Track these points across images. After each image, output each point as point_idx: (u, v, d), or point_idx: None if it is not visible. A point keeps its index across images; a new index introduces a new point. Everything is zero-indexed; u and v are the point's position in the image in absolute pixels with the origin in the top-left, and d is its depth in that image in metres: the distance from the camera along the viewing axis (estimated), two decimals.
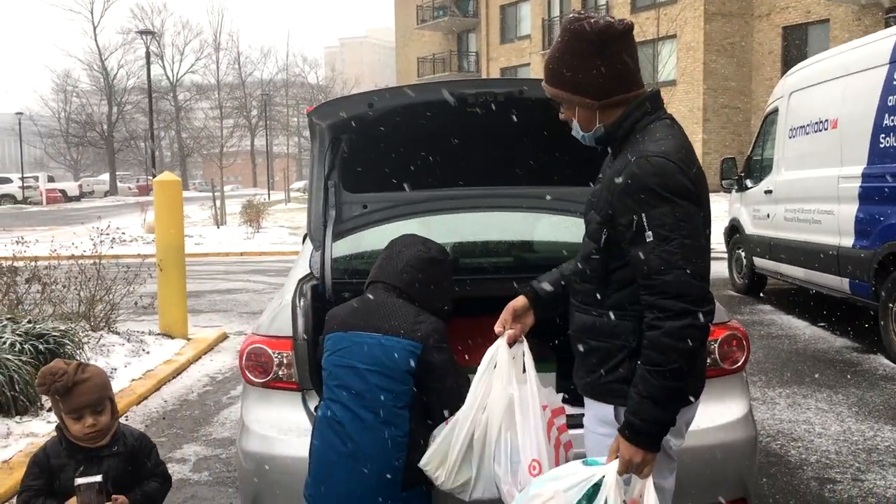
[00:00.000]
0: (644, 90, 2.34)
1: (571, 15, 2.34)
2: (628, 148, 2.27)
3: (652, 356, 2.14)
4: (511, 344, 2.60)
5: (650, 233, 2.13)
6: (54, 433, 2.82)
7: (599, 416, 2.41)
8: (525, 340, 2.65)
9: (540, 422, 2.54)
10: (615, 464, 2.20)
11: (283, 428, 3.09)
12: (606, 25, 2.25)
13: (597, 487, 2.19)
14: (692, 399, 2.37)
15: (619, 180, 2.21)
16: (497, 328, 2.61)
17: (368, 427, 2.66)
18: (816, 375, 6.65)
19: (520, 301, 2.67)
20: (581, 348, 2.43)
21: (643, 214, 2.14)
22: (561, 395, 2.77)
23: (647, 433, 2.16)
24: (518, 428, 2.53)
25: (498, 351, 2.60)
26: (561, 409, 2.71)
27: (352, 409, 2.69)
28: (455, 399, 2.66)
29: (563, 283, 2.64)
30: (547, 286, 2.66)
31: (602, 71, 2.25)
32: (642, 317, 2.21)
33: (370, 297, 2.84)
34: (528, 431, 2.52)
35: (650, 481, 2.22)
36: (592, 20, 2.27)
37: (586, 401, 2.48)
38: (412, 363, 2.68)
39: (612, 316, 2.32)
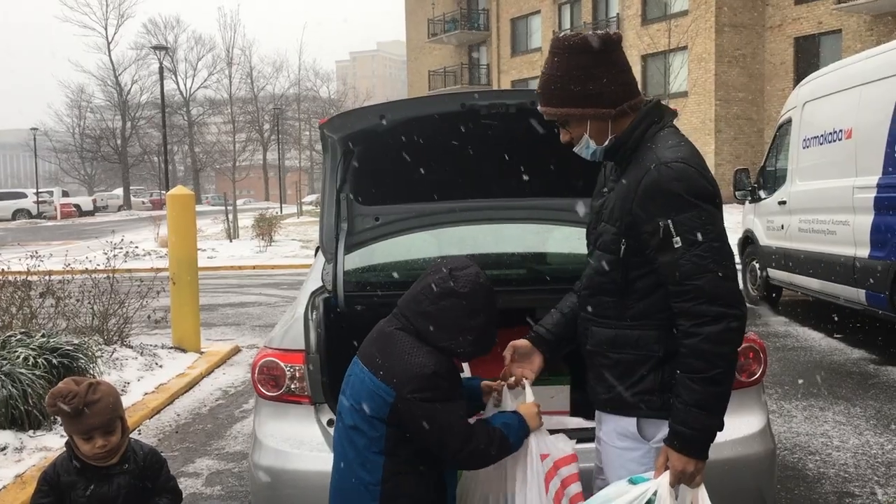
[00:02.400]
0: (644, 97, 2.35)
1: (559, 35, 2.33)
2: (641, 156, 2.26)
3: (693, 364, 2.13)
4: (512, 387, 2.57)
5: (678, 238, 2.13)
6: (65, 449, 2.80)
7: (619, 430, 2.37)
8: (528, 387, 2.56)
9: (535, 476, 2.46)
10: (666, 476, 2.17)
11: (296, 442, 3.07)
12: (605, 35, 2.28)
13: (651, 503, 2.16)
14: None
15: (639, 189, 2.21)
16: (502, 374, 2.61)
17: (347, 464, 2.48)
18: (833, 388, 6.58)
19: (521, 342, 2.64)
20: (602, 362, 2.38)
21: (669, 220, 2.14)
22: (572, 442, 2.56)
23: (696, 441, 2.16)
24: (515, 483, 2.48)
25: (503, 397, 2.59)
26: (570, 457, 2.53)
27: (341, 440, 2.52)
28: (443, 455, 2.40)
29: (564, 320, 2.61)
30: (549, 326, 2.64)
31: (612, 79, 2.26)
32: (668, 325, 2.20)
33: (383, 322, 2.55)
34: (522, 487, 2.46)
35: (703, 490, 2.22)
36: (587, 34, 2.28)
37: (604, 416, 2.44)
38: (384, 411, 2.36)
39: (636, 326, 2.29)
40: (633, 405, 2.32)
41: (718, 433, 2.22)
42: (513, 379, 2.59)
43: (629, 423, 2.34)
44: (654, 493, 2.18)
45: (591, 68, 2.26)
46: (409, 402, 2.34)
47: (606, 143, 2.33)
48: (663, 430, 2.26)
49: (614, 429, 2.39)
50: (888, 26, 24.97)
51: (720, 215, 2.21)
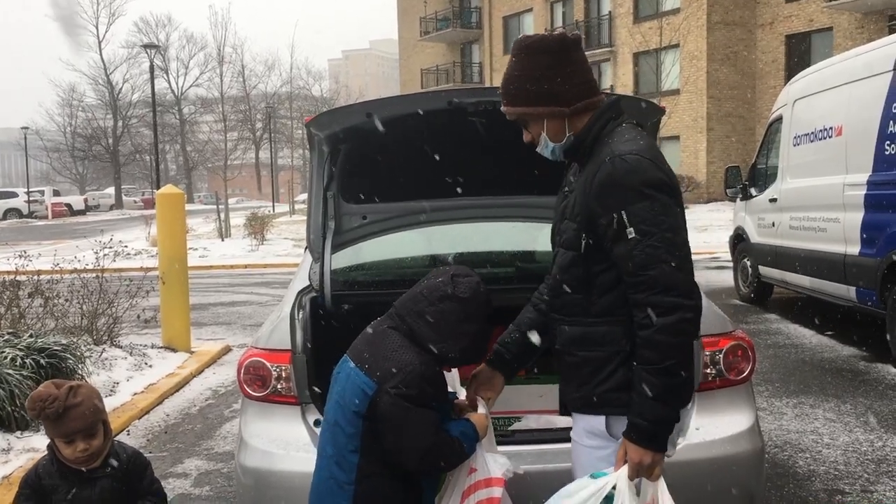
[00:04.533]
0: (603, 96, 2.37)
1: (519, 37, 2.36)
2: (598, 152, 2.28)
3: (647, 355, 2.14)
4: (475, 407, 2.63)
5: (631, 229, 2.14)
6: (47, 452, 2.77)
7: (589, 428, 2.36)
8: (484, 405, 2.63)
9: (457, 487, 2.52)
10: (624, 470, 2.18)
11: (282, 442, 3.05)
12: (562, 35, 2.31)
13: (610, 498, 2.18)
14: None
15: (595, 182, 2.23)
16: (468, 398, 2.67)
17: (325, 462, 2.49)
18: (824, 385, 6.59)
19: (480, 369, 2.69)
20: (570, 361, 2.38)
21: (622, 212, 2.16)
22: (508, 465, 2.56)
23: (652, 433, 2.16)
24: (445, 489, 2.57)
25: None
26: (497, 479, 2.53)
27: (323, 437, 2.54)
28: (397, 460, 2.38)
29: (522, 339, 2.63)
30: (508, 346, 2.66)
31: (568, 78, 2.28)
32: (632, 319, 2.20)
33: (376, 321, 2.58)
34: (448, 494, 2.54)
35: (662, 484, 2.21)
36: (545, 34, 2.32)
37: (574, 415, 2.43)
38: (363, 405, 2.38)
39: (601, 323, 2.29)
40: (602, 403, 2.31)
41: (700, 430, 2.20)
42: (468, 399, 2.68)
43: (598, 421, 2.33)
44: (614, 487, 2.18)
45: (547, 68, 2.27)
46: (387, 397, 2.35)
47: (564, 141, 2.35)
48: None
49: (584, 427, 2.38)
50: (878, 24, 25.05)
51: (677, 207, 2.21)
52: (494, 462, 2.58)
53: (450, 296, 2.46)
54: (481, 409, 2.62)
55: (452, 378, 3.10)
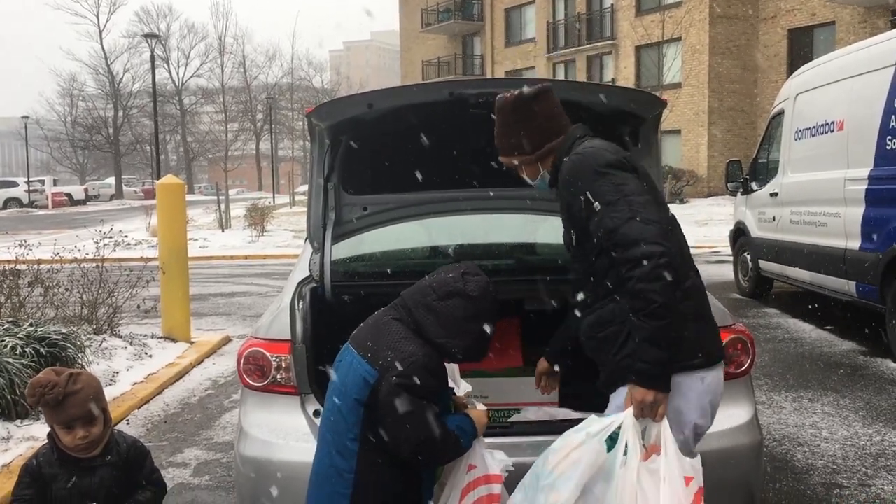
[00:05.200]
0: (570, 127, 2.69)
1: (504, 94, 2.71)
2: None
3: (635, 304, 2.32)
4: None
5: (597, 203, 2.39)
6: (47, 441, 2.77)
7: (619, 403, 2.49)
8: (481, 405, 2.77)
9: (455, 485, 2.56)
10: (631, 409, 2.35)
11: (282, 432, 3.05)
12: (519, 93, 2.65)
13: (614, 438, 2.34)
14: (701, 360, 2.47)
15: (561, 182, 2.56)
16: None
17: (326, 450, 2.51)
18: (823, 379, 6.59)
19: (541, 364, 3.19)
20: (596, 346, 2.57)
21: (587, 192, 2.42)
22: (504, 462, 2.60)
23: (652, 374, 2.32)
24: (443, 487, 2.61)
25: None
26: (495, 476, 2.56)
27: (324, 425, 2.56)
28: (393, 448, 2.39)
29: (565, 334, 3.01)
30: (557, 343, 3.12)
31: (529, 129, 2.64)
32: None
33: (381, 311, 2.61)
34: (447, 492, 2.58)
35: (666, 426, 2.34)
36: (507, 94, 2.68)
37: (611, 398, 2.57)
38: (364, 393, 2.40)
39: (609, 301, 2.50)
40: (625, 368, 2.44)
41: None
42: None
43: (625, 392, 2.45)
44: (620, 425, 2.34)
45: (511, 124, 2.66)
46: (388, 385, 2.36)
47: (539, 178, 2.71)
48: (673, 396, 2.42)
49: (617, 405, 2.50)
50: (881, 18, 24.98)
51: (634, 177, 2.46)
52: (492, 458, 2.59)
53: (460, 292, 2.49)
54: (480, 406, 2.65)
55: (452, 371, 3.11)
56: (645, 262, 2.28)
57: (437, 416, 2.41)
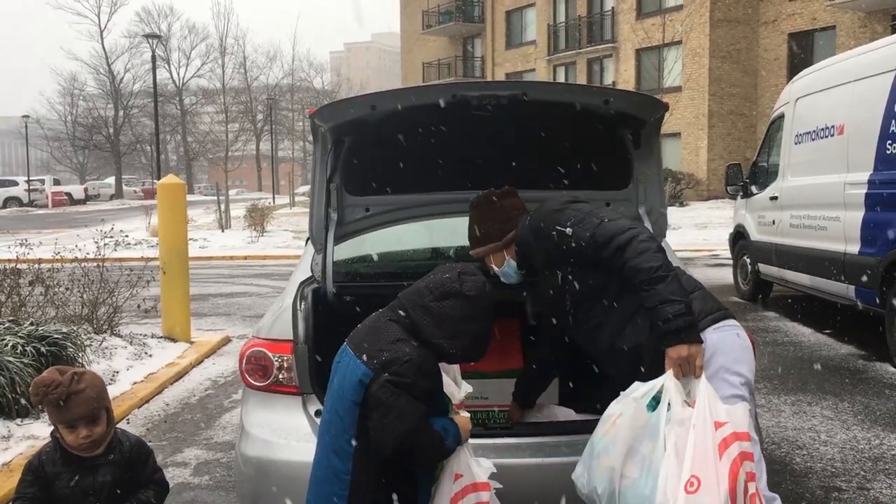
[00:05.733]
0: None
1: (478, 196, 3.15)
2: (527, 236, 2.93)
3: (638, 278, 2.58)
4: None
5: (568, 230, 2.73)
6: (50, 439, 2.78)
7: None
8: (463, 386, 2.84)
9: (444, 495, 2.59)
10: (670, 371, 2.49)
11: (283, 432, 3.06)
12: (487, 193, 3.12)
13: (657, 399, 2.48)
14: (723, 311, 2.73)
15: (531, 240, 2.89)
16: None
17: (324, 451, 2.53)
18: (822, 383, 6.60)
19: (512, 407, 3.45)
20: (621, 345, 2.76)
21: (556, 226, 2.77)
22: (491, 469, 2.66)
23: (677, 327, 2.50)
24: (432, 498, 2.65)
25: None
26: (485, 484, 2.60)
27: (323, 427, 2.57)
28: (376, 439, 2.38)
29: (530, 370, 3.42)
30: (525, 380, 3.42)
31: (495, 220, 3.04)
32: (631, 288, 2.65)
33: (378, 313, 2.63)
34: (436, 500, 2.62)
35: (704, 381, 2.48)
36: (479, 196, 3.14)
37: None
38: (360, 394, 2.41)
39: (620, 302, 2.73)
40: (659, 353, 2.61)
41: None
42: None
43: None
44: (661, 387, 2.47)
45: (483, 217, 3.07)
46: (381, 383, 2.37)
47: (505, 263, 3.06)
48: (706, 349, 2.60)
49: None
50: (882, 23, 25.02)
51: (581, 205, 2.85)
52: (479, 467, 2.61)
53: (456, 292, 2.49)
54: (464, 413, 2.67)
55: (453, 372, 3.11)
56: (629, 245, 2.59)
57: (424, 415, 2.42)
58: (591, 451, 2.61)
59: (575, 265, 2.78)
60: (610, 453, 2.50)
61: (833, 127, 8.16)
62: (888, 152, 7.07)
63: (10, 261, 7.54)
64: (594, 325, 2.81)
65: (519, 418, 3.39)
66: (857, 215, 7.52)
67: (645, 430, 2.47)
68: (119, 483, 2.73)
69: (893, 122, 6.99)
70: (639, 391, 2.53)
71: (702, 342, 2.54)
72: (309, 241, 3.84)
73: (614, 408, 2.60)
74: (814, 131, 8.65)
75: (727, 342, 2.66)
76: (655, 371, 2.59)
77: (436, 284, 2.52)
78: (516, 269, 3.07)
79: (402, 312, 2.51)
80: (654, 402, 2.47)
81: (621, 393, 2.63)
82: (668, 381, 2.47)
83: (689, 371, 2.50)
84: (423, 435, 2.40)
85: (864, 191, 7.40)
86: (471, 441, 3.01)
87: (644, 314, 2.65)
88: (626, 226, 2.66)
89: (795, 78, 9.81)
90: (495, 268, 3.07)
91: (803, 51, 27.92)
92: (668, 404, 2.44)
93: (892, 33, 8.18)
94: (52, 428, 2.75)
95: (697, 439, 2.37)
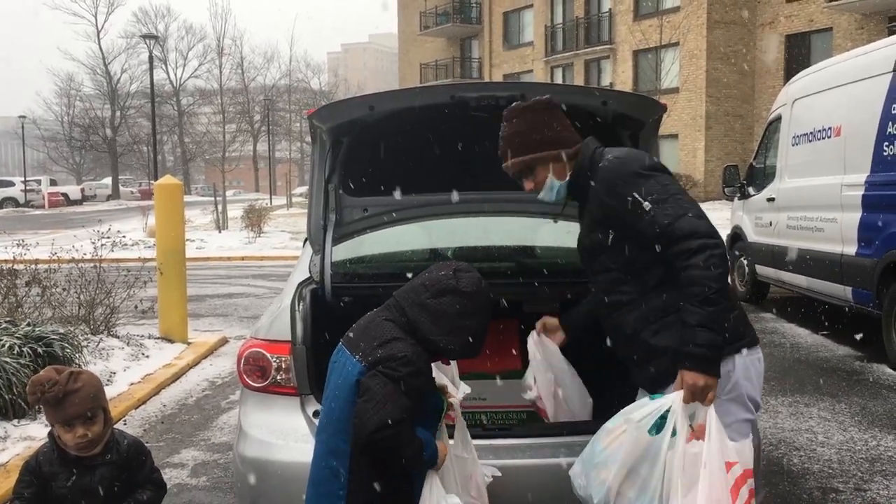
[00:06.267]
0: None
1: (511, 106, 2.82)
2: (594, 172, 2.67)
3: (691, 291, 2.44)
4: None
5: (646, 203, 2.51)
6: (47, 440, 2.77)
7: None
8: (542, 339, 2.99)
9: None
10: (681, 392, 2.43)
11: (281, 433, 3.06)
12: (547, 99, 2.79)
13: (664, 416, 2.44)
14: (751, 337, 2.65)
15: (601, 186, 2.62)
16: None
17: (322, 451, 2.52)
18: (819, 384, 6.61)
19: (551, 319, 3.23)
20: (647, 338, 2.65)
21: (634, 193, 2.53)
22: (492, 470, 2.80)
23: (703, 357, 2.41)
24: None
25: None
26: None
27: (320, 425, 2.56)
28: (357, 424, 2.35)
29: (588, 314, 3.12)
30: (577, 317, 3.20)
31: (563, 126, 2.77)
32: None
33: (374, 312, 2.62)
34: None
35: (713, 411, 2.41)
36: (529, 101, 2.80)
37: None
38: (356, 392, 2.40)
39: (657, 295, 2.60)
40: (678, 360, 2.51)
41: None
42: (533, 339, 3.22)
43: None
44: (669, 408, 2.43)
45: (547, 120, 2.74)
46: (372, 373, 2.37)
47: (567, 177, 2.74)
48: (730, 377, 2.54)
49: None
50: (878, 25, 25.05)
51: (673, 179, 2.62)
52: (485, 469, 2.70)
53: (453, 289, 2.49)
54: (448, 442, 2.66)
55: (451, 373, 3.11)
56: (701, 253, 2.42)
57: (410, 412, 2.38)
58: (592, 457, 2.59)
59: (631, 236, 2.60)
60: (609, 468, 2.51)
61: (830, 128, 8.18)
62: (885, 154, 7.08)
63: (6, 261, 7.53)
64: (623, 302, 2.67)
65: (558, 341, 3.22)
66: (854, 217, 7.54)
67: (647, 453, 2.45)
68: (116, 483, 2.73)
69: (890, 123, 7.00)
70: (643, 410, 2.49)
71: (719, 377, 2.46)
72: (307, 242, 3.84)
73: (618, 421, 2.56)
74: (811, 133, 8.66)
75: (752, 370, 2.62)
76: (664, 378, 2.55)
77: (432, 282, 2.52)
78: (562, 193, 2.79)
79: (397, 311, 2.51)
80: (660, 422, 2.44)
81: (627, 407, 2.59)
82: (675, 404, 2.43)
83: (699, 399, 2.44)
84: (406, 434, 2.38)
85: (861, 192, 7.41)
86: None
87: (679, 317, 2.53)
88: (708, 230, 2.47)
89: (793, 80, 9.82)
90: (551, 178, 2.75)
91: (800, 52, 27.98)
92: (674, 429, 2.41)
93: (889, 35, 8.18)
94: (49, 429, 2.75)
95: (713, 482, 2.35)
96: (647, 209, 2.50)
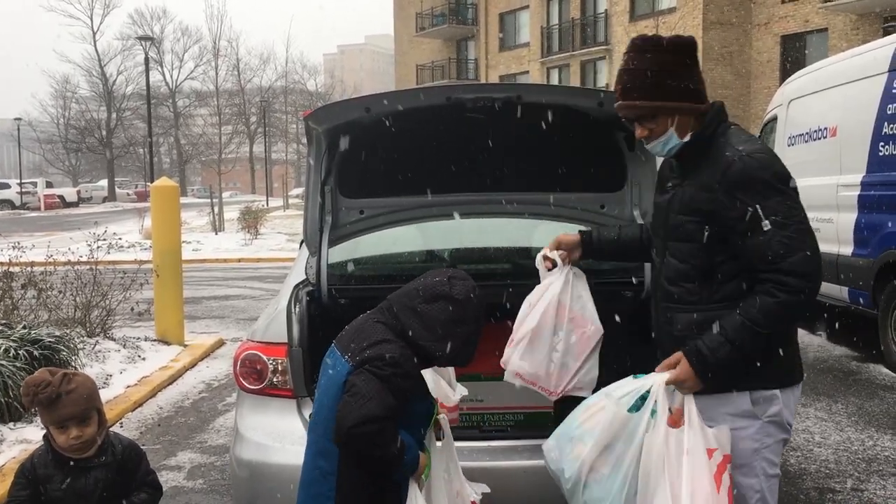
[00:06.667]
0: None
1: (646, 35, 2.48)
2: (717, 150, 2.42)
3: (755, 315, 2.30)
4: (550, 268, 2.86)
5: (767, 222, 2.29)
6: (42, 442, 2.77)
7: (731, 409, 2.44)
8: (571, 270, 2.81)
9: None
10: (665, 375, 2.42)
11: (278, 435, 3.06)
12: (692, 39, 2.48)
13: (644, 397, 2.43)
14: (800, 372, 2.52)
15: (725, 178, 2.35)
16: (543, 252, 2.89)
17: (311, 453, 2.52)
18: (815, 384, 6.61)
19: (570, 236, 2.90)
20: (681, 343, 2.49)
21: (757, 206, 2.30)
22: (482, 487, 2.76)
23: (708, 365, 2.34)
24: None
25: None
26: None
27: (310, 426, 2.55)
28: (338, 417, 2.31)
29: (616, 240, 2.89)
30: (600, 236, 2.91)
31: (700, 78, 2.47)
32: None
33: (366, 314, 2.62)
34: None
35: (690, 398, 2.41)
36: (675, 36, 2.46)
37: (705, 399, 2.45)
38: (343, 391, 2.38)
39: (724, 307, 2.40)
40: (741, 379, 2.41)
41: None
42: (548, 251, 2.89)
43: (742, 400, 2.43)
44: (650, 389, 2.42)
45: (688, 67, 2.44)
46: (359, 371, 2.36)
47: (687, 137, 2.47)
48: (775, 403, 2.43)
49: (723, 411, 2.45)
50: (874, 25, 25.10)
51: (799, 199, 2.39)
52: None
53: (445, 295, 2.49)
54: (432, 450, 2.62)
55: (449, 375, 3.11)
56: (793, 296, 2.29)
57: (392, 409, 2.34)
58: (568, 431, 2.58)
59: (729, 242, 2.38)
60: (585, 443, 2.50)
61: (826, 129, 8.19)
62: (881, 154, 7.09)
63: (2, 264, 7.51)
64: (683, 299, 2.49)
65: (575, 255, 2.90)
66: (850, 217, 7.55)
67: (623, 431, 2.45)
68: (111, 485, 2.72)
69: (886, 123, 7.02)
70: (624, 388, 2.49)
71: (701, 388, 2.38)
72: (303, 244, 3.84)
73: (598, 397, 2.55)
74: (807, 133, 8.67)
75: (792, 399, 2.52)
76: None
77: (426, 287, 2.53)
78: (674, 152, 2.51)
79: (390, 314, 2.52)
80: (639, 402, 2.44)
81: (608, 386, 2.56)
82: (658, 386, 2.43)
83: (678, 388, 2.41)
84: (388, 432, 2.34)
85: (857, 193, 7.43)
86: (466, 444, 3.02)
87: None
88: (816, 275, 2.33)
89: (788, 80, 9.84)
90: (672, 132, 2.46)
91: (796, 53, 28.02)
92: (653, 409, 2.41)
93: (885, 35, 8.20)
94: (45, 431, 2.74)
95: (696, 469, 2.35)
96: (764, 228, 2.29)
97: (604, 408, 2.49)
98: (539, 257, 2.93)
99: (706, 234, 2.40)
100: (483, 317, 2.57)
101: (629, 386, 2.48)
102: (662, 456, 2.39)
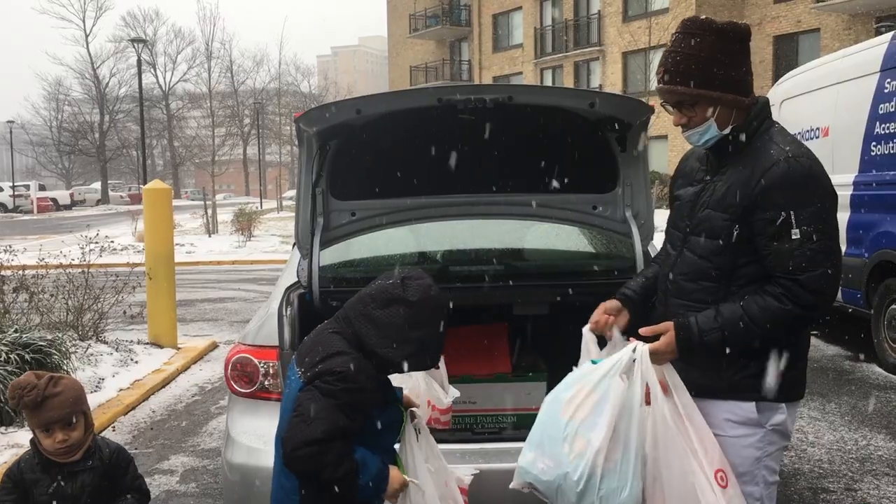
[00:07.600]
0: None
1: (697, 17, 2.37)
2: (759, 148, 2.34)
3: (756, 314, 2.26)
4: (597, 330, 2.62)
5: (797, 230, 2.22)
6: (29, 447, 2.75)
7: (735, 417, 2.40)
8: (635, 343, 2.50)
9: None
10: (646, 347, 2.36)
11: (269, 439, 3.03)
12: (747, 26, 2.37)
13: (629, 372, 2.37)
14: (803, 389, 2.49)
15: (765, 178, 2.27)
16: (588, 326, 2.65)
17: (276, 469, 2.42)
18: (809, 384, 6.57)
19: (610, 302, 2.70)
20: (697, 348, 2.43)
21: (791, 212, 2.23)
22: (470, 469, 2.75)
23: (695, 347, 2.31)
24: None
25: (588, 347, 2.63)
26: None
27: (275, 444, 2.42)
28: (284, 441, 2.23)
29: (647, 284, 2.70)
30: (635, 289, 2.71)
31: (749, 69, 2.36)
32: None
33: (325, 323, 2.47)
34: None
35: (670, 368, 2.38)
36: (728, 21, 2.35)
37: (709, 403, 2.41)
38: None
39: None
40: (750, 388, 2.37)
41: None
42: (598, 322, 2.64)
43: (747, 407, 2.39)
44: (629, 360, 2.37)
45: (736, 55, 2.33)
46: (307, 389, 2.25)
47: (727, 130, 2.37)
48: (780, 412, 2.39)
49: (727, 417, 2.41)
50: (866, 25, 25.19)
51: (836, 213, 2.31)
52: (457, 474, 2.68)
53: (398, 299, 2.34)
54: (412, 478, 2.49)
55: (441, 377, 3.10)
56: (804, 311, 2.25)
57: (340, 429, 2.21)
58: (555, 434, 2.40)
59: (754, 243, 2.31)
60: (587, 435, 2.34)
61: (818, 129, 8.20)
62: (873, 154, 7.11)
63: None
64: (700, 298, 2.40)
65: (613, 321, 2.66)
66: (843, 217, 7.56)
67: (623, 409, 2.35)
68: (99, 490, 2.70)
69: (878, 123, 7.03)
70: (604, 366, 2.39)
71: (678, 357, 2.35)
72: (295, 246, 3.82)
73: (574, 388, 2.41)
74: (799, 133, 8.67)
75: (794, 412, 2.52)
76: (707, 388, 2.41)
77: (378, 291, 2.38)
78: (712, 143, 2.41)
79: (345, 323, 2.38)
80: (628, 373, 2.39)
81: (572, 375, 2.46)
82: (642, 355, 2.35)
83: (653, 357, 2.34)
84: (331, 455, 2.19)
85: (849, 192, 7.44)
86: (458, 446, 3.00)
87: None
88: (831, 295, 2.27)
89: (780, 80, 9.86)
90: (711, 122, 2.36)
91: (788, 53, 28.10)
92: (641, 379, 2.35)
93: (877, 35, 8.22)
94: (32, 435, 2.72)
95: (702, 433, 2.34)
96: (793, 237, 2.22)
97: (591, 392, 2.36)
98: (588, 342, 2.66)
99: (735, 232, 2.32)
100: (445, 315, 2.41)
101: (608, 363, 2.39)
102: (666, 422, 2.33)
